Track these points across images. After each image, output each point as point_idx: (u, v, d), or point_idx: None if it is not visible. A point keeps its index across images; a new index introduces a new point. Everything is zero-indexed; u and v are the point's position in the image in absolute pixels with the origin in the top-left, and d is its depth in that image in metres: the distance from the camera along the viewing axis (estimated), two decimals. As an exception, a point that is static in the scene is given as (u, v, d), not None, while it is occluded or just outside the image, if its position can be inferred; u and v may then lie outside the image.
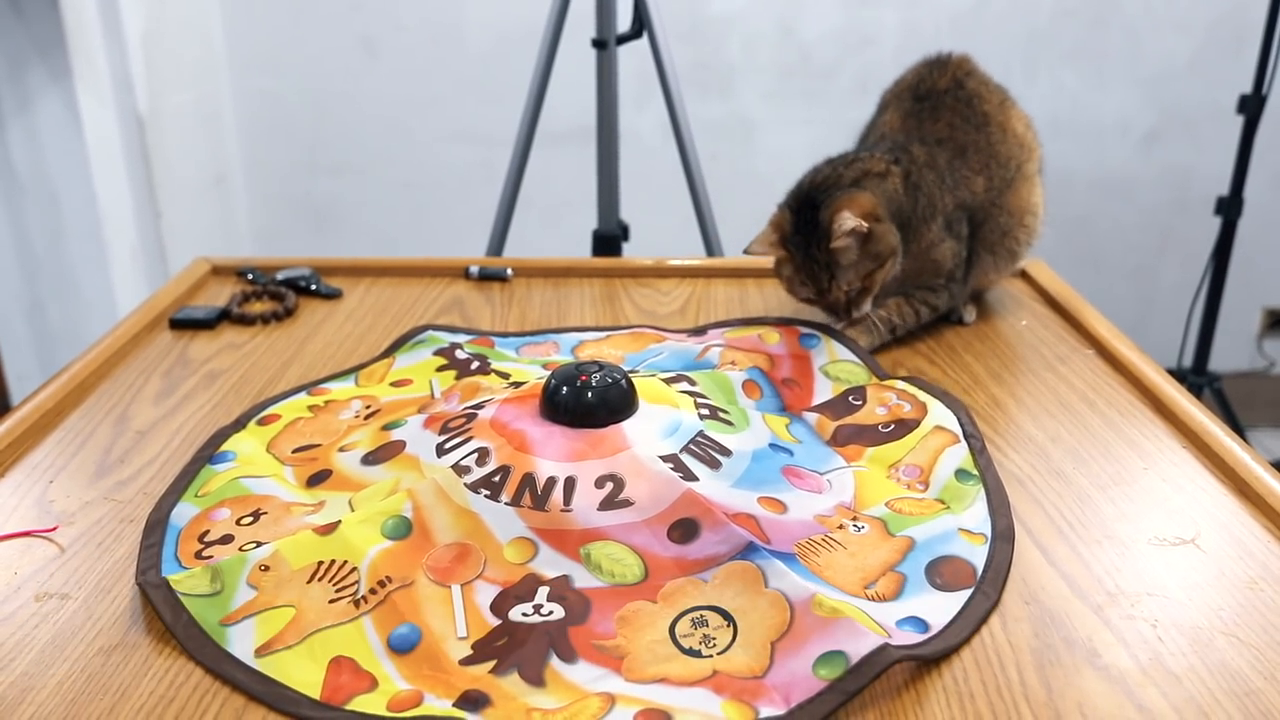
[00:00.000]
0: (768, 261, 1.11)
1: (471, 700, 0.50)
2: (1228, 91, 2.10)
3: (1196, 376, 2.16)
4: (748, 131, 2.32)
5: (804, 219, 0.85)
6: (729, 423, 0.72)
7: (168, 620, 0.55)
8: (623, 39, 1.55)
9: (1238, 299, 2.39)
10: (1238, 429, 2.13)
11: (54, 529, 0.65)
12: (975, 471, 0.69)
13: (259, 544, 0.60)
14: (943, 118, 0.92)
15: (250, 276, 1.07)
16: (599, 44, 1.54)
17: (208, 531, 0.63)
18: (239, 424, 0.77)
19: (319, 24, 2.24)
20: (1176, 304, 2.34)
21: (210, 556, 0.60)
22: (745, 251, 0.89)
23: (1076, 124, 2.33)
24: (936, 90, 0.94)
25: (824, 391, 0.81)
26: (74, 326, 1.97)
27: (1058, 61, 2.29)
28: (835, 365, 0.84)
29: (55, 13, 1.76)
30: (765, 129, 2.33)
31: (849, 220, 0.82)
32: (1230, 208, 2.04)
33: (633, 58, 1.68)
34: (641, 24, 1.55)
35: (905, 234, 0.87)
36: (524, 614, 0.56)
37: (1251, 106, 1.98)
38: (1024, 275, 1.08)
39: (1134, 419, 0.79)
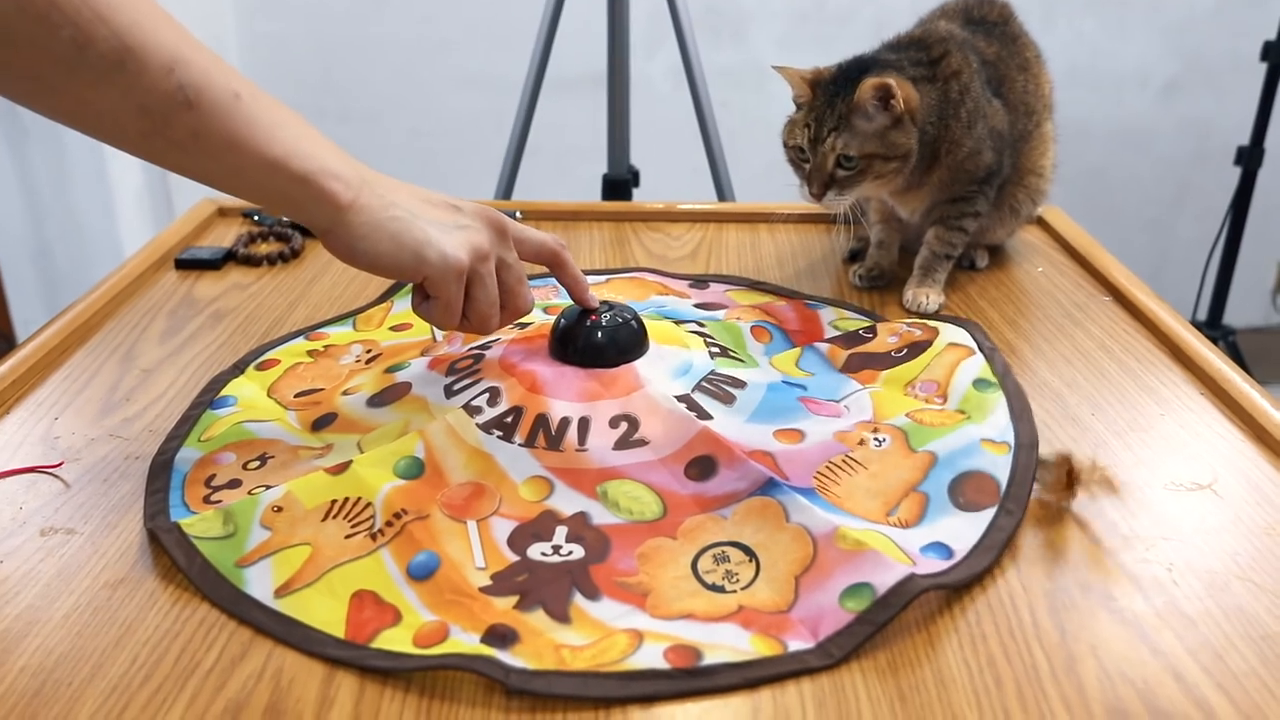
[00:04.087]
0: (780, 206, 1.10)
1: (500, 635, 0.49)
2: (1251, 39, 2.05)
3: (1211, 330, 2.14)
4: (761, 78, 2.28)
5: (848, 76, 0.82)
6: (739, 360, 0.71)
7: (181, 564, 0.54)
8: (634, -20, 1.52)
9: (1254, 253, 2.36)
10: (1251, 384, 2.11)
11: (59, 465, 0.64)
12: (994, 379, 0.68)
13: (268, 487, 0.59)
14: (993, 45, 0.90)
15: (256, 218, 1.06)
16: (610, -15, 1.51)
17: (214, 475, 0.62)
18: (238, 369, 0.76)
19: (325, -34, 2.20)
20: (1192, 257, 2.31)
21: (219, 501, 0.59)
22: (773, 67, 0.87)
23: (1095, 73, 2.29)
24: (987, 21, 0.92)
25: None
26: (80, 271, 1.97)
27: (1078, 8, 2.24)
28: (843, 320, 0.83)
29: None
30: (778, 76, 2.29)
31: (891, 86, 0.79)
32: (1251, 158, 2.01)
33: (645, 1, 1.65)
34: (653, -35, 1.52)
35: (944, 140, 0.84)
36: (543, 553, 0.55)
37: (1275, 53, 1.94)
38: (1040, 222, 1.06)
39: (1152, 366, 0.78)
